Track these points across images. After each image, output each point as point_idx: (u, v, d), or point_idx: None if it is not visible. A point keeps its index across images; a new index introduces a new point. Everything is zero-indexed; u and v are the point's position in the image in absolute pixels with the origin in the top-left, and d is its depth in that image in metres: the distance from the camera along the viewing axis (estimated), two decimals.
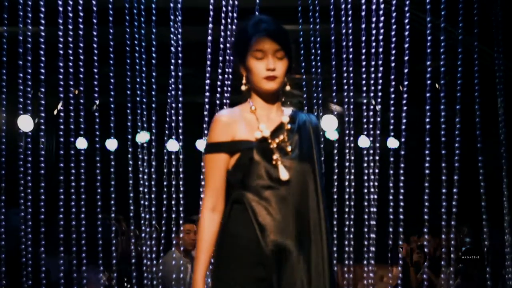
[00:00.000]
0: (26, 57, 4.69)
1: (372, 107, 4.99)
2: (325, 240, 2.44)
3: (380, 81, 4.87)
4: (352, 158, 5.22)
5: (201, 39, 4.88)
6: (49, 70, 4.72)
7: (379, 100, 4.95)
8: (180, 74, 4.98)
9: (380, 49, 4.78)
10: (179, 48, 4.94)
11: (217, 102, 4.85)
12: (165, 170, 5.21)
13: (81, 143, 5.65)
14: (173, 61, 4.98)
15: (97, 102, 5.02)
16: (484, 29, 4.88)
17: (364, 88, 4.91)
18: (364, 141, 5.52)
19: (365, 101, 5.00)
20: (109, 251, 5.07)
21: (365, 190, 5.00)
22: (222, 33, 4.78)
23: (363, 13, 4.78)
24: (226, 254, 2.44)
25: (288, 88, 2.54)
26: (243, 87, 2.53)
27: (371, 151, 5.05)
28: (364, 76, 4.87)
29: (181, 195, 5.11)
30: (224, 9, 4.80)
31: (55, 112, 4.91)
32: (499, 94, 4.97)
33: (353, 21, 4.83)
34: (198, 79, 5.23)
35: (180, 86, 5.01)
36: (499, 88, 4.96)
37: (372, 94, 4.94)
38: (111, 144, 5.86)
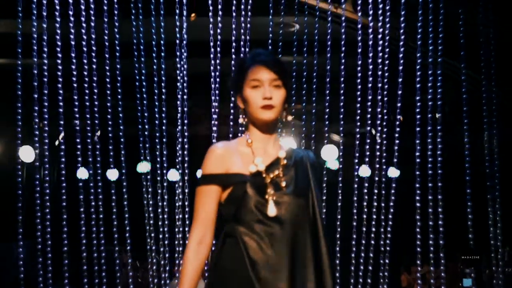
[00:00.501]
0: (28, 89, 4.73)
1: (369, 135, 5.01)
2: (328, 277, 2.40)
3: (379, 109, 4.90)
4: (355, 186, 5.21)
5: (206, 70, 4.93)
6: (51, 101, 4.75)
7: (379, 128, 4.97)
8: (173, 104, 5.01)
9: (381, 82, 4.81)
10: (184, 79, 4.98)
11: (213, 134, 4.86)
12: (160, 198, 5.21)
13: (82, 173, 5.67)
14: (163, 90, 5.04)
15: (98, 133, 5.05)
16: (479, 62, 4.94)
17: (368, 117, 4.93)
18: (364, 171, 5.53)
19: (367, 129, 5.02)
20: (113, 283, 5.05)
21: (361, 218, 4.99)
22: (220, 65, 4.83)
23: (369, 47, 4.82)
24: (227, 277, 2.39)
25: (289, 118, 2.54)
26: (241, 120, 2.53)
27: (372, 178, 5.05)
28: (363, 104, 4.90)
29: (175, 222, 5.09)
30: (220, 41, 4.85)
31: (57, 142, 4.93)
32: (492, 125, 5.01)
33: (358, 54, 4.86)
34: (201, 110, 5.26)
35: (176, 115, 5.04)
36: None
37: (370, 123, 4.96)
38: (112, 174, 5.87)
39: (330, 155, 6.19)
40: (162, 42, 4.99)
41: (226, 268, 2.40)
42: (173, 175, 5.34)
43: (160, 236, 5.16)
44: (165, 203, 5.19)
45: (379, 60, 4.79)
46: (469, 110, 4.78)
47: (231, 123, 4.88)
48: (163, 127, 5.13)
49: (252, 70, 2.47)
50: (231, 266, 2.39)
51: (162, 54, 5.02)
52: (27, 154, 5.34)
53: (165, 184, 5.17)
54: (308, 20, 5.12)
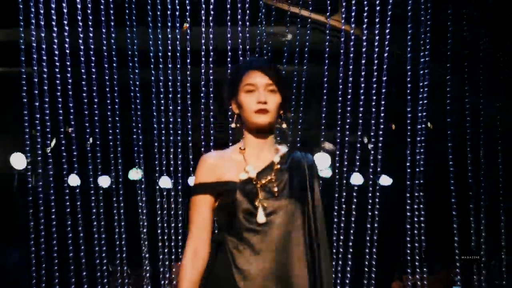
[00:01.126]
0: (19, 96, 4.73)
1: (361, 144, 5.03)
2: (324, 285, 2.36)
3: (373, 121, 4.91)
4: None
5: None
6: (42, 108, 4.75)
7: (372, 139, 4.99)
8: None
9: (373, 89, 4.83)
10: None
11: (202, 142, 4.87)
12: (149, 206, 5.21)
13: (74, 180, 5.66)
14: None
15: (91, 140, 5.05)
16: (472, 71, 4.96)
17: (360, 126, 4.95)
18: (357, 178, 5.53)
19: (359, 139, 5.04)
20: None
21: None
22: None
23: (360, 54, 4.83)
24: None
25: (284, 126, 2.53)
26: (233, 125, 2.51)
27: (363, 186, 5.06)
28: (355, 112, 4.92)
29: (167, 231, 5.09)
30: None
31: (48, 149, 4.93)
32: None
33: (348, 63, 4.88)
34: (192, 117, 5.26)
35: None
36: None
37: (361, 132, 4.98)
38: (104, 181, 5.86)
39: (323, 164, 6.19)
40: (151, 51, 4.99)
41: (220, 276, 2.38)
42: (165, 182, 5.34)
43: (153, 243, 5.16)
44: (158, 211, 5.18)
45: (374, 68, 4.79)
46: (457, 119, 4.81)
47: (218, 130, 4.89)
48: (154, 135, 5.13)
49: (247, 75, 2.46)
50: (224, 275, 2.37)
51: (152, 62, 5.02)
52: (18, 161, 5.33)
53: (157, 193, 5.17)
54: (301, 30, 5.13)
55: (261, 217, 2.36)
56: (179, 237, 5.15)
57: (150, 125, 5.13)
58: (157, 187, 5.24)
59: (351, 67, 4.82)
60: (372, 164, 4.90)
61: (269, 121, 2.45)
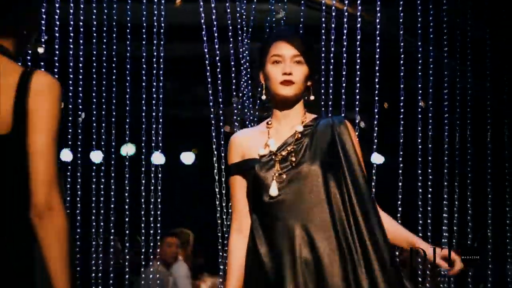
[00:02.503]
0: None
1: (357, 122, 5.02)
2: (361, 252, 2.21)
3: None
4: None
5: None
6: None
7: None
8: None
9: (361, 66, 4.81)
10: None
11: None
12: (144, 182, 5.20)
13: (66, 155, 5.64)
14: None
15: (83, 114, 5.03)
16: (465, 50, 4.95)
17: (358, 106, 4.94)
18: None
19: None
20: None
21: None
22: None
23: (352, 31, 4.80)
24: (247, 272, 2.41)
25: (312, 97, 2.48)
26: (263, 97, 2.50)
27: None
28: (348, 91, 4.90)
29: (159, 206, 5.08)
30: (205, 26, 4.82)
31: None
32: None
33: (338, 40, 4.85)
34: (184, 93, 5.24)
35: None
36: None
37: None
38: (95, 156, 5.84)
39: None
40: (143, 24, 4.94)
41: (250, 250, 2.40)
42: (158, 158, 5.32)
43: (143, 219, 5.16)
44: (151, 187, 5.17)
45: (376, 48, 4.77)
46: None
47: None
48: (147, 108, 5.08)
49: (274, 45, 2.44)
50: (252, 248, 2.38)
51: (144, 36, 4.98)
52: None
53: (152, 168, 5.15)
54: (294, 7, 5.09)
55: (273, 190, 2.34)
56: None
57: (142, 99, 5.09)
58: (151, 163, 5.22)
59: (345, 43, 4.81)
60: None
61: (294, 93, 2.42)
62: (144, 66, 5.03)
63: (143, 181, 5.12)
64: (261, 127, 2.52)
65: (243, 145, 2.46)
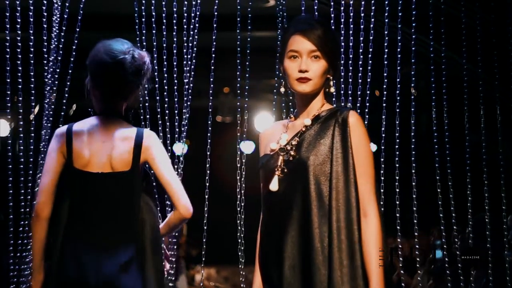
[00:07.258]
0: (2, 62, 4.65)
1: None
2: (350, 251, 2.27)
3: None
4: None
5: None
6: (26, 74, 4.69)
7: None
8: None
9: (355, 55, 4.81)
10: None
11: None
12: None
13: None
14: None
15: (74, 106, 5.03)
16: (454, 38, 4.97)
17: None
18: None
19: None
20: None
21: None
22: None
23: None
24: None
25: (332, 90, 2.44)
26: (282, 89, 2.50)
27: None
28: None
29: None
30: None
31: (31, 116, 4.89)
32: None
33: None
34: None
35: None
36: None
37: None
38: None
39: None
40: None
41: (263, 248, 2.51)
42: (178, 148, 5.25)
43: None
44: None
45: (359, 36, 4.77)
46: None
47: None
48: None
49: (292, 39, 2.40)
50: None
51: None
52: (2, 127, 5.28)
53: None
54: None
55: (273, 185, 2.37)
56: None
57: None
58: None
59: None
60: None
61: (310, 89, 2.40)
62: None
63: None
64: (285, 121, 2.56)
65: (265, 140, 2.52)
